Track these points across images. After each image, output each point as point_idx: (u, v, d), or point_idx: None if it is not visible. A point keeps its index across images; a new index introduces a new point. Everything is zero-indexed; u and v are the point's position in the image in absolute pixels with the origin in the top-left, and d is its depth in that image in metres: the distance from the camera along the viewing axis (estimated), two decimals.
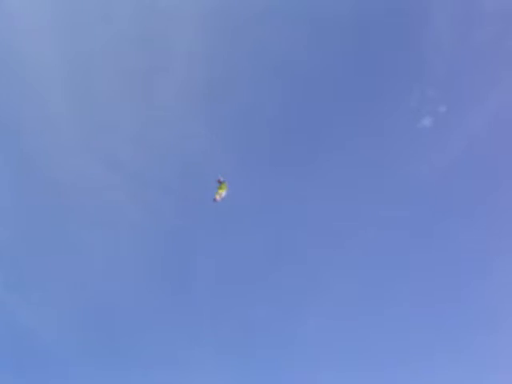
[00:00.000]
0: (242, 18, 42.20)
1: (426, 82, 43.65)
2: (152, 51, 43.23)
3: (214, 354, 40.46)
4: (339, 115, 44.15)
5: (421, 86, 43.75)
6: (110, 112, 43.65)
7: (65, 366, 39.17)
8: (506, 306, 40.30)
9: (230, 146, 43.96)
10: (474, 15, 41.94)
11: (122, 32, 42.68)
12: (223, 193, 28.09)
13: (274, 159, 44.31)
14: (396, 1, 43.31)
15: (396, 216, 42.88)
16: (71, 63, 42.64)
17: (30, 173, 43.10)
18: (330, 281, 41.93)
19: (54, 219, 43.21)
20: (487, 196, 43.96)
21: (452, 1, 42.33)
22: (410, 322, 41.54)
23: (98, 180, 43.48)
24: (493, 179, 43.87)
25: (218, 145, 43.58)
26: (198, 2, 42.29)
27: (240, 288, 42.60)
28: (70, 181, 43.46)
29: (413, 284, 42.63)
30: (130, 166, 43.75)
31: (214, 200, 27.87)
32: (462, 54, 43.08)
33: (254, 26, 43.00)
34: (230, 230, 42.90)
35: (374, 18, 43.19)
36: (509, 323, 39.70)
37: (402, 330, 41.50)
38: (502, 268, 41.72)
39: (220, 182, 28.13)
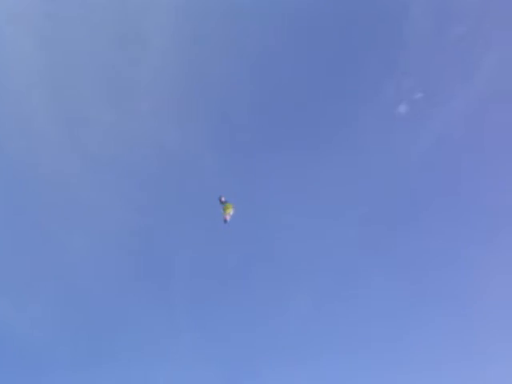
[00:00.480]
0: (218, 12, 41.84)
1: (402, 70, 43.88)
2: (126, 44, 42.68)
3: (196, 348, 40.88)
4: (315, 102, 44.18)
5: (398, 73, 43.98)
6: (85, 105, 43.05)
7: (49, 364, 39.06)
8: (480, 295, 41.11)
9: (205, 139, 43.86)
10: (452, 6, 42.22)
11: (96, 25, 41.97)
12: (231, 212, 28.14)
13: (248, 151, 44.33)
14: None
15: (371, 203, 43.34)
16: (44, 56, 41.89)
17: (4, 169, 42.47)
18: (309, 273, 42.42)
19: (31, 216, 42.70)
20: (463, 183, 44.60)
21: None
22: (386, 309, 42.19)
23: (74, 175, 43.06)
24: (468, 166, 44.51)
25: (192, 137, 43.57)
26: None
27: (220, 282, 42.80)
28: (46, 176, 42.93)
29: (389, 272, 43.26)
30: (105, 160, 43.32)
31: (225, 221, 27.91)
32: (438, 43, 43.26)
33: (229, 20, 42.85)
34: (208, 224, 42.83)
35: (352, 7, 43.18)
36: (482, 312, 40.55)
37: (380, 318, 42.11)
38: (479, 260, 42.36)
39: (223, 203, 28.12)
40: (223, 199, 28.12)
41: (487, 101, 43.21)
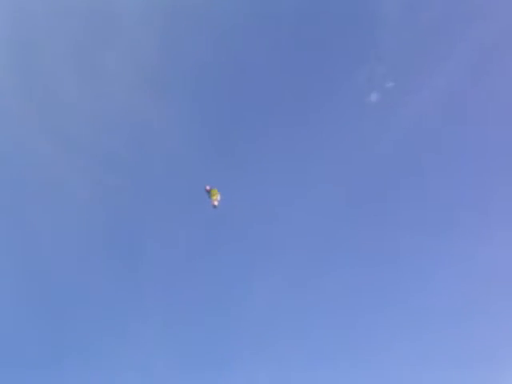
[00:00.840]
0: None
1: (374, 58, 44.11)
2: (99, 25, 42.82)
3: (163, 331, 40.83)
4: (288, 88, 44.35)
5: (369, 61, 44.21)
6: (57, 87, 43.08)
7: (8, 339, 38.87)
8: (443, 285, 41.31)
9: (178, 121, 43.96)
10: None
11: (66, 7, 42.11)
12: (218, 197, 28.68)
13: (221, 133, 44.46)
14: None
15: (341, 190, 43.47)
16: (16, 38, 41.83)
17: None
18: (280, 254, 42.46)
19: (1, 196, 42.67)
20: (432, 173, 44.80)
21: None
22: (356, 294, 42.29)
23: (45, 156, 43.06)
24: (438, 155, 44.71)
25: (166, 119, 43.62)
26: None
27: (188, 264, 42.79)
28: (17, 157, 42.94)
29: (358, 258, 43.36)
30: (77, 141, 43.31)
31: (214, 207, 28.53)
32: (410, 31, 43.55)
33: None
34: (178, 206, 42.96)
35: None
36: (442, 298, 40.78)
37: (350, 302, 42.15)
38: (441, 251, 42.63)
39: (209, 191, 28.65)
40: (208, 187, 28.73)
41: (458, 89, 43.62)
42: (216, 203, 28.57)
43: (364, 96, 43.94)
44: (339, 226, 43.61)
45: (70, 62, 42.79)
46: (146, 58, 42.71)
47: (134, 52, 42.68)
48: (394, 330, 40.19)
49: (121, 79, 43.10)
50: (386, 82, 43.97)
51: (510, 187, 42.23)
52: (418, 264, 42.51)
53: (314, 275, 42.15)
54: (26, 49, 42.10)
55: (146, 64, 42.94)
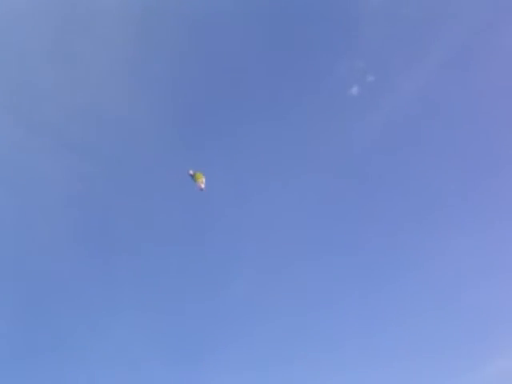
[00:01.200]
0: None
1: (355, 52, 44.30)
2: (77, 14, 42.06)
3: (137, 324, 39.85)
4: (269, 80, 44.20)
5: (350, 55, 44.39)
6: (32, 75, 42.06)
7: None
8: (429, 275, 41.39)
9: (155, 110, 43.29)
10: None
11: None
12: (203, 179, 28.38)
13: (200, 125, 43.99)
14: None
15: (323, 183, 43.40)
16: None
17: None
18: (257, 242, 42.10)
19: None
20: (412, 167, 45.06)
21: None
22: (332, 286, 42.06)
23: (18, 143, 41.85)
24: (418, 149, 44.98)
25: (143, 108, 42.96)
26: None
27: (168, 254, 42.10)
28: None
29: (335, 252, 43.30)
30: (52, 129, 42.32)
31: (201, 189, 28.27)
32: (391, 25, 43.96)
33: None
34: (154, 192, 42.23)
35: None
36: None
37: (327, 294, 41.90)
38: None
39: (192, 175, 28.38)
40: (191, 172, 28.44)
41: (439, 83, 44.07)
42: (202, 186, 28.31)
43: (345, 89, 44.10)
44: (320, 216, 43.59)
45: (45, 51, 41.87)
46: (124, 48, 42.00)
47: (112, 41, 41.99)
48: (374, 320, 40.19)
49: (98, 69, 42.52)
50: (367, 76, 44.21)
51: (491, 179, 42.84)
52: (399, 255, 42.72)
53: (295, 264, 41.92)
54: (1, 37, 41.22)
55: (123, 54, 42.26)
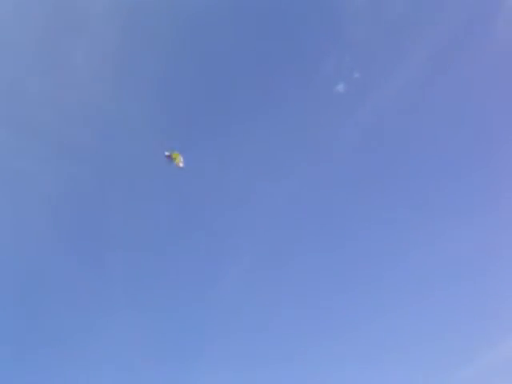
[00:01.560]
0: None
1: (341, 49, 44.66)
2: (64, 15, 41.98)
3: (129, 322, 39.82)
4: (254, 76, 44.43)
5: (336, 52, 44.73)
6: (19, 74, 41.88)
7: None
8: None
9: (145, 106, 43.31)
10: None
11: None
12: (181, 158, 28.66)
13: (185, 122, 44.09)
14: None
15: (309, 179, 43.75)
16: None
17: None
18: (247, 236, 42.36)
19: None
20: (401, 162, 45.56)
21: None
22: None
23: (5, 145, 41.66)
24: (405, 145, 45.49)
25: (132, 105, 42.96)
26: None
27: (156, 249, 42.16)
28: None
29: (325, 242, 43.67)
30: (39, 129, 42.17)
31: (180, 168, 28.58)
32: (377, 22, 44.30)
33: None
34: (143, 190, 42.27)
35: None
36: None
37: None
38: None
39: (169, 156, 28.55)
40: (167, 153, 28.58)
41: (425, 80, 44.57)
42: (181, 164, 28.54)
43: (331, 86, 44.43)
44: (308, 212, 43.88)
45: (33, 48, 41.83)
46: (113, 45, 41.97)
47: (98, 42, 42.02)
48: (364, 311, 40.63)
49: (84, 69, 42.43)
50: (353, 73, 44.58)
51: (474, 174, 43.51)
52: (387, 247, 43.17)
53: (286, 259, 42.23)
54: None
55: (112, 50, 42.22)
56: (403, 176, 44.99)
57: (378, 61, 44.76)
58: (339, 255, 43.01)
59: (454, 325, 40.48)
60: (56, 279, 40.29)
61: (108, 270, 40.45)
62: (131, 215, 42.05)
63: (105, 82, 42.64)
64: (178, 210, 41.91)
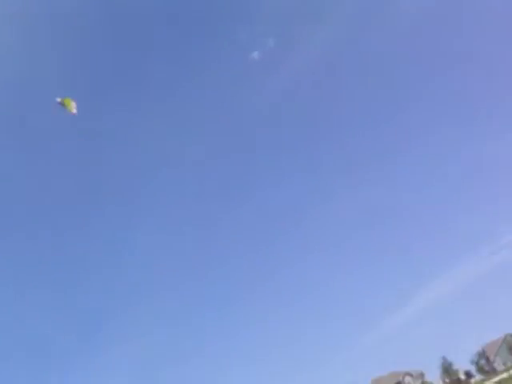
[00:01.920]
0: None
1: (255, 17, 44.44)
2: None
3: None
4: (172, 46, 44.10)
5: (251, 20, 44.50)
6: None
7: None
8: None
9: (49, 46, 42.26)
10: None
11: None
12: (73, 104, 28.18)
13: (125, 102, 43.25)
14: None
15: (227, 145, 43.42)
16: None
17: None
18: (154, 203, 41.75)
19: None
20: (315, 124, 45.59)
21: None
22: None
23: None
24: (319, 107, 45.45)
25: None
26: None
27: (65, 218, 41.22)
28: None
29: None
30: None
31: (73, 114, 27.98)
32: None
33: None
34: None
35: None
36: None
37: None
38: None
39: (61, 103, 27.95)
40: (59, 100, 28.03)
41: (339, 47, 44.60)
42: (74, 110, 28.07)
43: (246, 54, 44.21)
44: (220, 174, 43.66)
45: None
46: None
47: None
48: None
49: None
50: (268, 41, 44.41)
51: (387, 132, 43.63)
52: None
53: (191, 223, 41.94)
54: None
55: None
56: (318, 140, 45.08)
57: (292, 28, 44.81)
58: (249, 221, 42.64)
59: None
60: None
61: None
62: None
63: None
64: (90, 177, 41.26)
